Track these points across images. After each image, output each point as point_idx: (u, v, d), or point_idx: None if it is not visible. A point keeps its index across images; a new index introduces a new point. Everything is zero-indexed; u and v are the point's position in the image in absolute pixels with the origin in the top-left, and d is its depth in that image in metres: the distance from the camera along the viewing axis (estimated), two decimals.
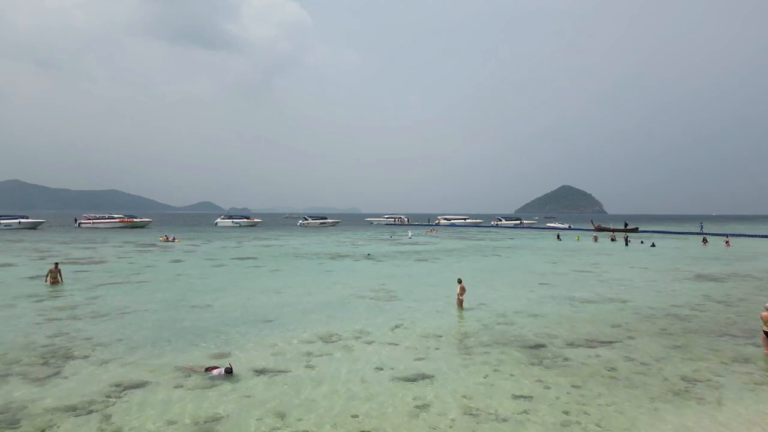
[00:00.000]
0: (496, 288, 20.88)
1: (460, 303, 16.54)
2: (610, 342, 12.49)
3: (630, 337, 13.00)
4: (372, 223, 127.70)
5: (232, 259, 33.30)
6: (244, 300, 17.76)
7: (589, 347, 12.01)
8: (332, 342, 12.22)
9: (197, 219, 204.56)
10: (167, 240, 52.45)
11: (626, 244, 47.92)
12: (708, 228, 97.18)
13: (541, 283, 22.21)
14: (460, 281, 17.07)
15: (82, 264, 29.51)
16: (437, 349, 11.72)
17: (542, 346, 12.09)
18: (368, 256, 35.68)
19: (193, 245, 46.56)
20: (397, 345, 12.02)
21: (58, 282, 21.46)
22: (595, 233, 66.96)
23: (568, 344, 12.26)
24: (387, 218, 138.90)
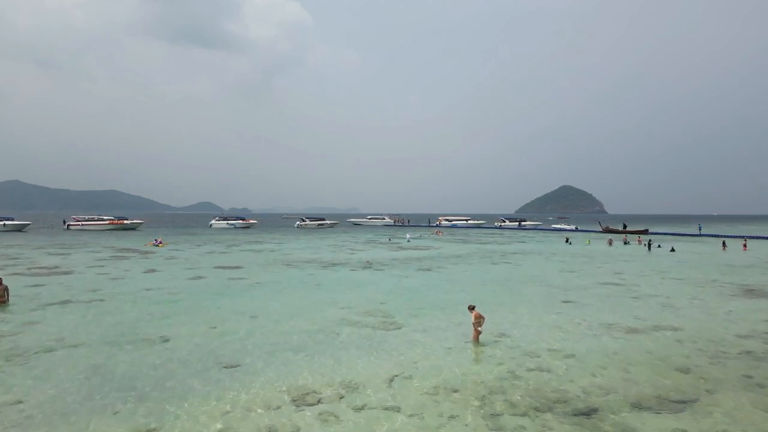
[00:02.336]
0: (514, 309, 17.55)
1: (477, 336, 13.20)
2: (687, 402, 9.17)
3: (709, 391, 9.71)
4: (354, 224, 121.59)
5: (215, 268, 29.97)
6: (208, 329, 14.44)
7: (661, 411, 8.70)
8: (306, 405, 8.89)
9: (195, 219, 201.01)
10: (154, 245, 49.33)
11: (649, 249, 44.50)
12: (709, 229, 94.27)
13: (566, 302, 18.89)
14: (472, 308, 13.64)
15: (43, 276, 26.21)
16: (452, 417, 8.40)
17: (596, 410, 8.77)
18: (368, 264, 32.35)
19: (178, 250, 43.26)
20: (397, 410, 8.70)
21: (5, 301, 18.20)
22: (609, 236, 63.54)
23: (630, 405, 8.95)
24: (370, 218, 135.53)
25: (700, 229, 78.75)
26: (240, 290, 21.65)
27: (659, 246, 47.13)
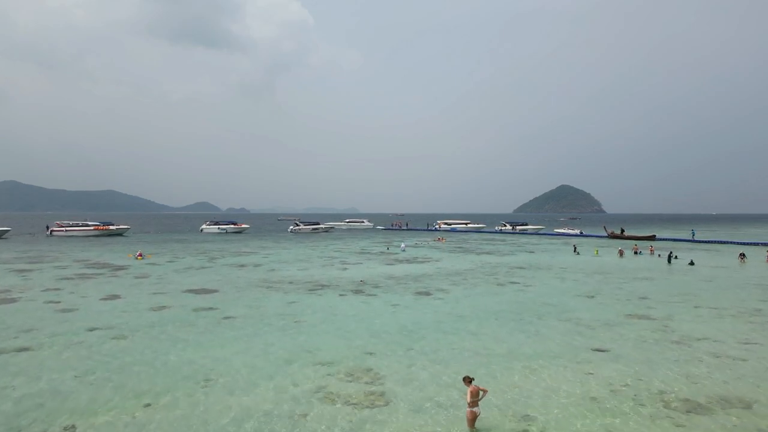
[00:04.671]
0: (534, 364, 14.09)
1: (473, 420, 9.77)
2: None
3: None
4: (333, 229, 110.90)
5: (185, 292, 26.50)
6: (138, 408, 10.95)
7: None
8: None
9: (190, 221, 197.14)
10: (133, 257, 46.19)
11: (669, 262, 41.25)
12: (706, 233, 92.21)
13: (596, 350, 15.45)
14: (470, 381, 10.19)
15: None
16: None
17: None
18: (360, 284, 29.14)
19: (155, 265, 39.75)
20: None
21: None
22: (618, 244, 60.24)
23: None
24: (348, 221, 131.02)
25: (693, 235, 76.52)
26: (203, 330, 18.15)
27: (676, 257, 43.66)
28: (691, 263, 40.24)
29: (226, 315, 20.72)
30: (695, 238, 73.11)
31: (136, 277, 32.42)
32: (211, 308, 22.12)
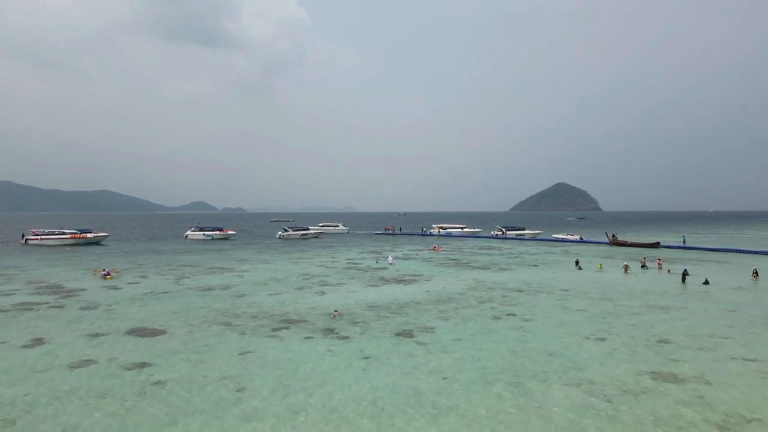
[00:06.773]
0: None
1: None
2: None
3: None
4: (322, 234, 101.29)
5: (126, 334, 22.59)
6: None
7: None
8: None
9: (183, 221, 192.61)
10: (102, 275, 42.30)
11: (683, 281, 37.61)
12: (700, 237, 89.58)
13: None
14: None
15: None
16: None
17: None
18: (334, 316, 25.65)
19: (114, 288, 35.79)
20: None
21: None
22: (623, 254, 56.60)
23: None
24: (322, 226, 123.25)
25: (684, 242, 73.96)
26: (113, 410, 14.19)
27: (687, 274, 39.82)
28: (706, 282, 36.57)
29: (155, 378, 16.76)
30: (687, 245, 70.63)
31: (82, 308, 28.46)
32: (143, 364, 18.17)
